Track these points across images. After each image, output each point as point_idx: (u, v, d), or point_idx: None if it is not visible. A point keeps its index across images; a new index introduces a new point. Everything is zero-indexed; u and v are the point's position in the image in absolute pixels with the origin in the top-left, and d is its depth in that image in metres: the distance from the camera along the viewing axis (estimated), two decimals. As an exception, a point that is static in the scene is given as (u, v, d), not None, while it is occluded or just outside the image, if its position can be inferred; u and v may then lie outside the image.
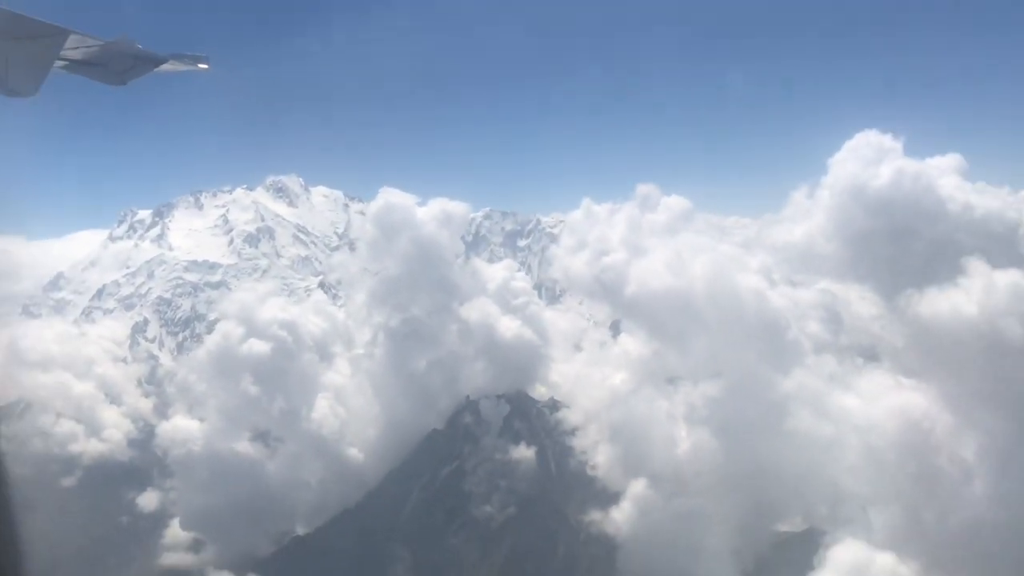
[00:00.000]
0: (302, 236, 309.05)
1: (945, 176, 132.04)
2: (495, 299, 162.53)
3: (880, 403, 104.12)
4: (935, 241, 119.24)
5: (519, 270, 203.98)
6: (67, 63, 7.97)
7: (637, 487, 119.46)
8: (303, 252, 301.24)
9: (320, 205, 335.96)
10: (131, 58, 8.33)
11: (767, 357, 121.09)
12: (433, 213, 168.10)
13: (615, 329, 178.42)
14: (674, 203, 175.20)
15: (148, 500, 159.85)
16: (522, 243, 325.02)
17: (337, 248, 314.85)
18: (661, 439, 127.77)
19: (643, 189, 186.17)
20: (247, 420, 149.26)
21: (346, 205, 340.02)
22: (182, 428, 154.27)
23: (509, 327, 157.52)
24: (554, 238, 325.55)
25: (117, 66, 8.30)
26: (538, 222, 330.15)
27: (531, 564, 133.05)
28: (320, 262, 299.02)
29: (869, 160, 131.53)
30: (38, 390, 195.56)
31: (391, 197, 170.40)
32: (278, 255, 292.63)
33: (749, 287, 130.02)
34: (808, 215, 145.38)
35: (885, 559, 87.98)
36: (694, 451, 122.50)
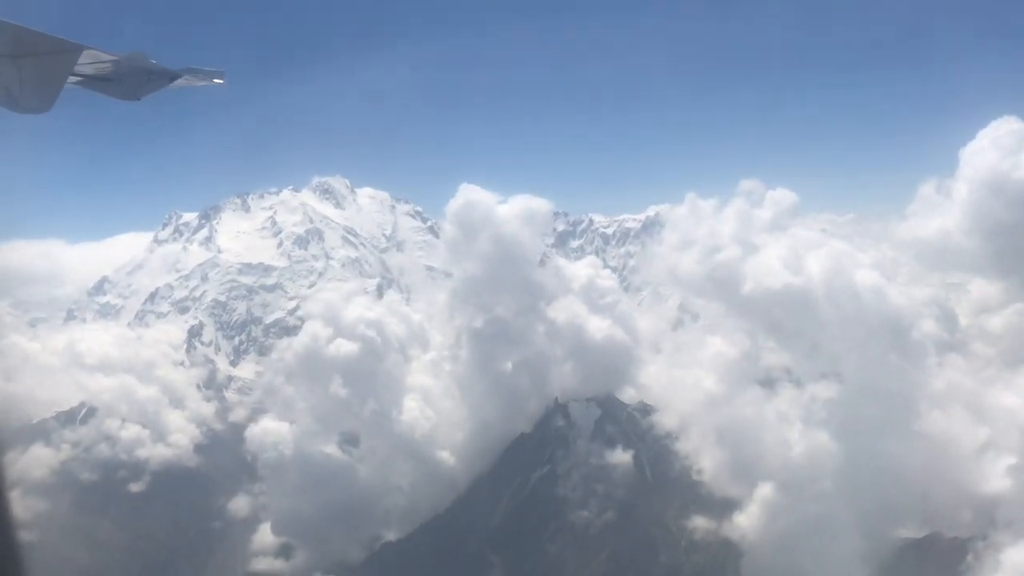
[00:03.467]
0: (351, 238, 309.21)
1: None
2: (581, 298, 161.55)
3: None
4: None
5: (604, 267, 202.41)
6: (81, 79, 7.93)
7: (761, 491, 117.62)
8: (353, 254, 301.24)
9: (367, 206, 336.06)
10: (145, 73, 8.31)
11: (890, 356, 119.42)
12: (514, 211, 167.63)
13: (708, 328, 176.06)
14: (780, 197, 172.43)
15: (237, 505, 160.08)
16: (574, 244, 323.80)
17: (386, 250, 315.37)
18: (773, 442, 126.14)
19: (747, 184, 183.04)
20: (336, 422, 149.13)
21: (393, 206, 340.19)
22: (272, 431, 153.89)
23: (599, 327, 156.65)
24: (608, 239, 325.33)
25: (131, 82, 8.28)
26: (591, 222, 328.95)
27: (632, 572, 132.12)
28: (370, 264, 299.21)
29: (1009, 149, 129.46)
30: (102, 394, 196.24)
31: (471, 194, 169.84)
32: (328, 257, 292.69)
33: (868, 284, 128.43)
34: (939, 209, 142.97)
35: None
36: (811, 454, 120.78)
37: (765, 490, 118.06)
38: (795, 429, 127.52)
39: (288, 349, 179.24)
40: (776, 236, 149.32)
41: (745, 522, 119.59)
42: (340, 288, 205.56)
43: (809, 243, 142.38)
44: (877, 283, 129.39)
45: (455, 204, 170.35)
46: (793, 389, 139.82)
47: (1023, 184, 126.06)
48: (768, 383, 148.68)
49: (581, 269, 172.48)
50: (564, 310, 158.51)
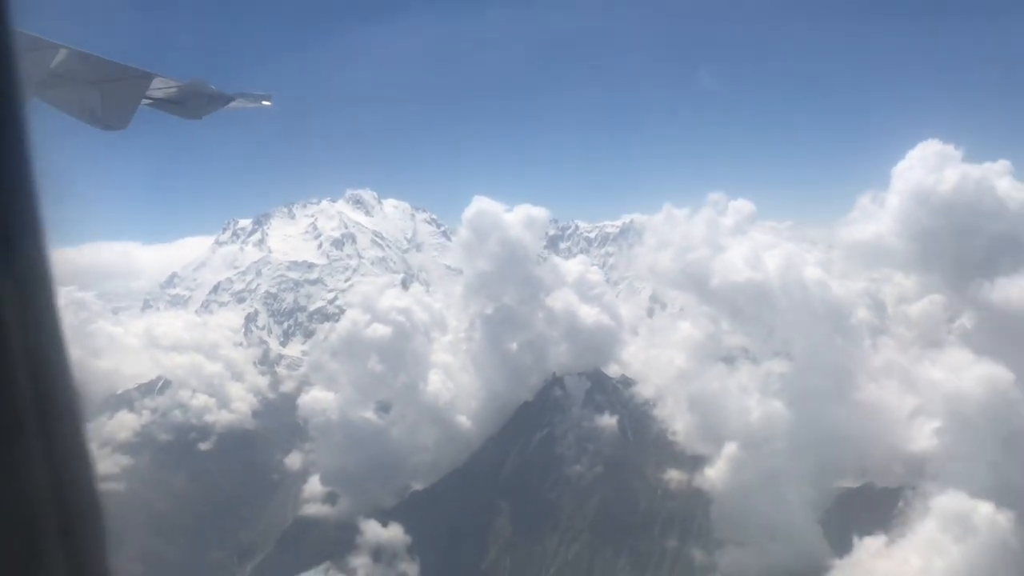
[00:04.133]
0: (378, 240, 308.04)
1: (1001, 178, 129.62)
2: (574, 290, 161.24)
3: (963, 375, 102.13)
4: (997, 237, 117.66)
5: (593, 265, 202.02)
6: (152, 101, 7.98)
7: (727, 449, 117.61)
8: (380, 254, 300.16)
9: (391, 214, 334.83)
10: (205, 97, 8.31)
11: (832, 338, 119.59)
12: (518, 218, 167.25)
13: (677, 315, 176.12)
14: (740, 206, 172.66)
15: (291, 460, 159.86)
16: (563, 246, 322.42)
17: (407, 251, 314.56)
18: (735, 409, 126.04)
19: (713, 195, 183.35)
20: (373, 392, 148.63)
21: (413, 214, 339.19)
22: (320, 399, 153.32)
23: (588, 314, 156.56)
24: (591, 242, 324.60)
25: (193, 104, 8.28)
26: (576, 227, 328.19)
27: (617, 515, 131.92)
28: (394, 262, 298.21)
29: (932, 167, 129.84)
30: (176, 369, 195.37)
31: (482, 204, 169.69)
32: (360, 256, 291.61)
33: (813, 279, 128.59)
34: (874, 216, 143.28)
35: (985, 508, 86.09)
36: (767, 419, 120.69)
37: (731, 448, 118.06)
38: (753, 398, 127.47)
39: (332, 332, 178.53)
40: (738, 239, 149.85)
41: (714, 475, 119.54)
42: (375, 281, 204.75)
43: (765, 245, 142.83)
44: (821, 278, 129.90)
45: (469, 212, 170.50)
46: (751, 365, 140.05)
47: (944, 197, 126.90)
48: (729, 360, 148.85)
49: (573, 266, 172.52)
50: (560, 300, 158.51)
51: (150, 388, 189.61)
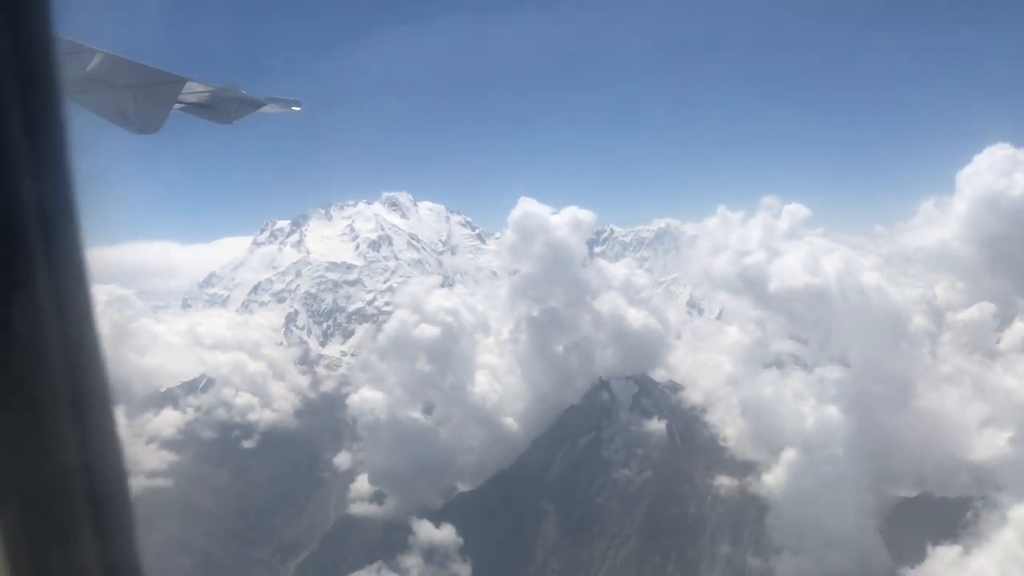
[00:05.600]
0: (414, 242, 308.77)
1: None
2: (620, 293, 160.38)
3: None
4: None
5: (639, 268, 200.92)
6: (184, 106, 8.04)
7: (786, 456, 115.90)
8: (416, 256, 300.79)
9: (426, 217, 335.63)
10: (236, 102, 8.41)
11: (890, 344, 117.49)
12: (565, 220, 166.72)
13: (721, 319, 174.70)
14: (795, 211, 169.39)
15: (340, 459, 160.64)
16: (598, 250, 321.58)
17: (442, 253, 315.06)
18: (789, 416, 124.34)
19: (767, 199, 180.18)
20: (421, 393, 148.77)
21: (447, 217, 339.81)
22: (368, 399, 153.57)
23: (635, 317, 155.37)
24: (626, 246, 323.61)
25: (224, 108, 8.37)
26: (612, 232, 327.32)
27: (666, 520, 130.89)
28: (430, 264, 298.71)
29: (1003, 171, 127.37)
30: (219, 368, 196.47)
31: (528, 206, 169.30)
32: (396, 258, 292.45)
33: (872, 284, 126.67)
34: (938, 223, 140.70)
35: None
36: (823, 426, 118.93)
37: (789, 454, 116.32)
38: (807, 404, 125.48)
39: (380, 331, 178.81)
40: (793, 244, 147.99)
41: (771, 481, 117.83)
42: (423, 282, 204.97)
43: (822, 250, 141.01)
44: (878, 283, 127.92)
45: (515, 214, 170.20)
46: (802, 371, 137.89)
47: (1014, 201, 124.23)
48: (778, 366, 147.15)
49: (619, 269, 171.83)
50: (606, 303, 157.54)
51: (194, 386, 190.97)
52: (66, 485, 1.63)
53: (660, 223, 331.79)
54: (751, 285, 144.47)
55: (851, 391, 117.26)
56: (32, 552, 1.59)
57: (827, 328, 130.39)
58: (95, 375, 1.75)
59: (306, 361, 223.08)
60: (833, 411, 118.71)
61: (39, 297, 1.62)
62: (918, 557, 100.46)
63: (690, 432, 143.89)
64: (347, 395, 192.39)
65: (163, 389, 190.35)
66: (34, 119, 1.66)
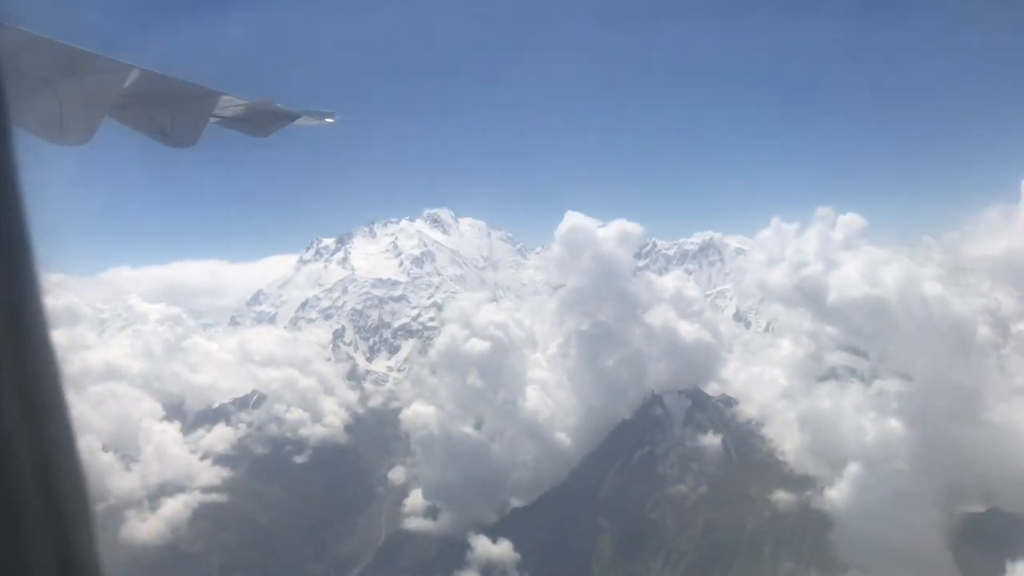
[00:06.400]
0: (456, 258, 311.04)
1: None
2: (672, 306, 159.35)
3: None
4: None
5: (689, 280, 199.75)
6: (219, 119, 7.87)
7: (850, 470, 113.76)
8: (458, 271, 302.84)
9: (467, 233, 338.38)
10: (271, 115, 8.20)
11: (954, 356, 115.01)
12: (612, 233, 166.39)
13: (770, 332, 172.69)
14: (850, 221, 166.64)
15: (394, 474, 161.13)
16: (641, 263, 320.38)
17: (484, 268, 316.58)
18: (849, 430, 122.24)
19: (821, 210, 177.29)
20: (473, 407, 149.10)
21: (488, 233, 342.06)
22: (421, 413, 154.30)
23: (687, 330, 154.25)
24: (669, 259, 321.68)
25: (259, 121, 8.16)
26: (654, 245, 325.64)
27: (724, 536, 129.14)
28: (472, 280, 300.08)
29: None
30: (270, 383, 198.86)
31: (575, 220, 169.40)
32: (439, 274, 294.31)
33: (933, 295, 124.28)
34: (1004, 232, 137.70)
35: None
36: (885, 440, 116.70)
37: (853, 469, 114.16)
38: (868, 418, 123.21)
39: (431, 346, 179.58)
40: (850, 254, 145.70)
41: (835, 496, 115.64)
42: (472, 297, 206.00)
43: (881, 260, 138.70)
44: (940, 294, 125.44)
45: (562, 227, 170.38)
46: (859, 384, 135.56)
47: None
48: (833, 378, 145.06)
49: (669, 282, 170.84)
50: (658, 316, 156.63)
51: (245, 402, 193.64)
52: (20, 485, 1.60)
53: (703, 236, 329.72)
54: (809, 297, 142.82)
55: (914, 404, 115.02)
56: None
57: (887, 340, 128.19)
58: (49, 381, 1.70)
59: (354, 376, 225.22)
60: (896, 425, 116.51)
61: None
62: (989, 575, 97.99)
63: (746, 446, 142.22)
64: (395, 410, 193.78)
65: (215, 405, 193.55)
66: None
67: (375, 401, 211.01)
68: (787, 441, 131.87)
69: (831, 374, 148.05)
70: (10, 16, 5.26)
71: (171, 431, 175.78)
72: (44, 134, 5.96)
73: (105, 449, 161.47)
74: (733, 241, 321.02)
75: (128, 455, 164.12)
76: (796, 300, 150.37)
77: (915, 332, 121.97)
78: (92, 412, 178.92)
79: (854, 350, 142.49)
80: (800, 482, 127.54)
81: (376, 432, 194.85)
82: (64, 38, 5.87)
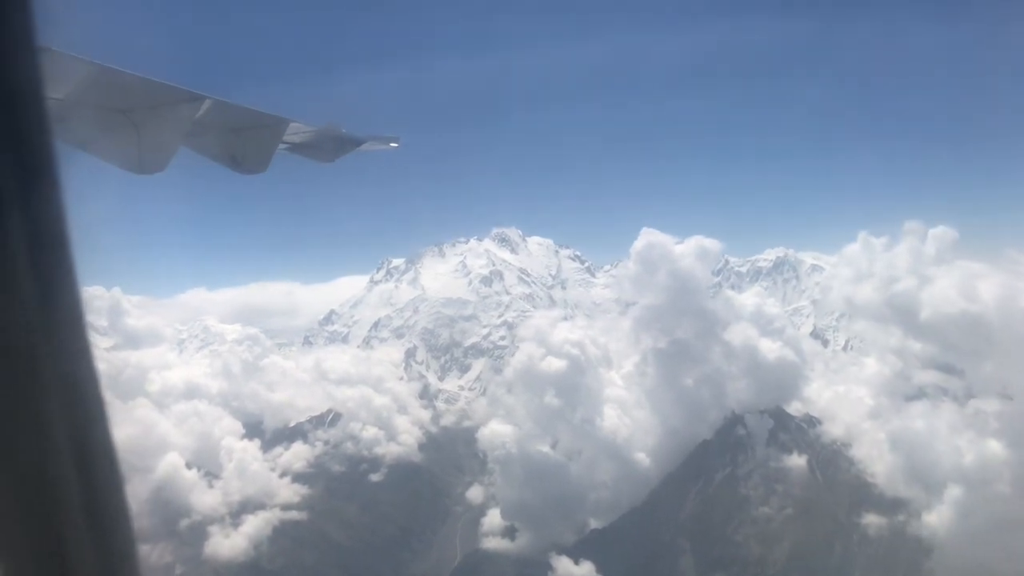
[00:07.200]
0: (524, 277, 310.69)
1: None
2: (752, 323, 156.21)
3: None
4: None
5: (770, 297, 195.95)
6: (288, 146, 8.13)
7: (951, 493, 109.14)
8: (527, 290, 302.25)
9: (535, 251, 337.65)
10: (337, 140, 8.44)
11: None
12: (690, 249, 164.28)
13: (848, 350, 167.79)
14: (942, 235, 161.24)
15: (472, 493, 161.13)
16: (713, 281, 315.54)
17: (552, 287, 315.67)
18: (945, 451, 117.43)
19: (910, 224, 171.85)
20: (550, 426, 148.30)
21: (556, 251, 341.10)
22: (499, 432, 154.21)
23: (769, 348, 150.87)
24: (742, 276, 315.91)
25: (326, 147, 8.41)
26: (727, 262, 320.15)
27: (811, 560, 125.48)
28: (540, 298, 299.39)
29: None
30: (346, 402, 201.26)
31: (651, 236, 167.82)
32: (507, 293, 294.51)
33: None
34: None
35: None
36: (984, 462, 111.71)
37: (954, 492, 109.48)
38: (964, 439, 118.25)
39: (503, 366, 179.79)
40: (943, 269, 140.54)
41: (934, 520, 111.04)
42: (547, 315, 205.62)
43: (977, 274, 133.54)
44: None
45: (638, 244, 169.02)
46: (952, 404, 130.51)
47: None
48: (923, 399, 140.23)
49: (748, 299, 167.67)
50: (738, 334, 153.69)
51: (322, 420, 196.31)
52: (61, 488, 1.67)
53: (776, 252, 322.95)
54: (900, 313, 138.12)
55: (1016, 424, 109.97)
56: (27, 557, 1.64)
57: (984, 357, 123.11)
58: (90, 389, 1.76)
59: (426, 395, 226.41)
60: (996, 446, 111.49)
61: (26, 299, 1.65)
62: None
63: (833, 467, 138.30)
64: (468, 429, 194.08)
65: (292, 423, 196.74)
66: (18, 137, 1.71)
67: (447, 420, 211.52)
68: (877, 462, 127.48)
69: (920, 393, 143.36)
70: (74, 46, 5.33)
71: (251, 449, 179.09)
72: (123, 164, 6.19)
73: (189, 466, 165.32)
74: (808, 257, 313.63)
75: (211, 472, 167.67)
76: (887, 317, 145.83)
77: (1016, 349, 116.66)
78: (176, 430, 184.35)
79: (946, 368, 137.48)
80: (892, 505, 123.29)
81: (449, 451, 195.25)
82: (121, 63, 5.94)
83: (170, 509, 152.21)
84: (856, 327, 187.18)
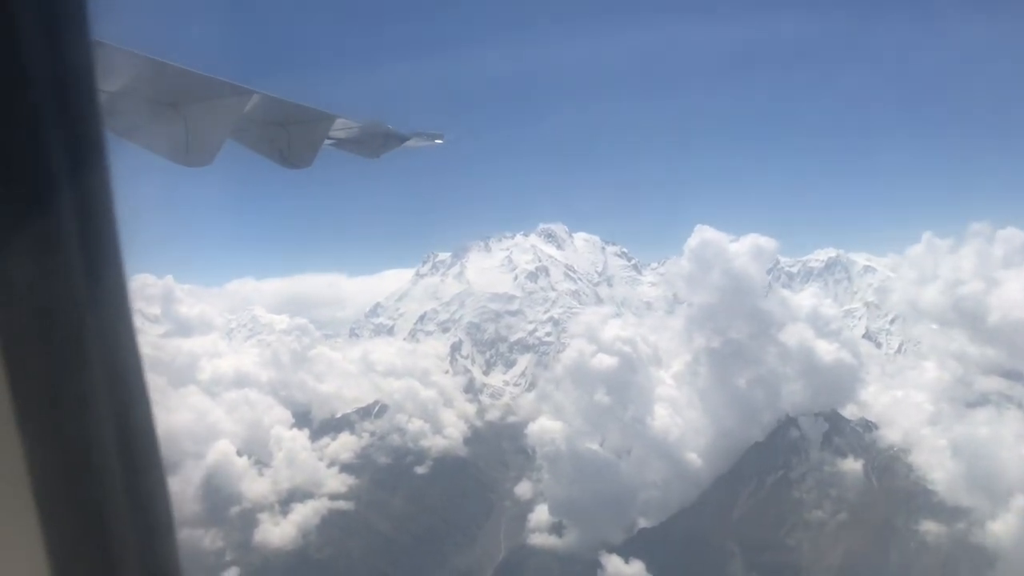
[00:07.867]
0: (571, 273, 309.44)
1: None
2: (808, 324, 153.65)
3: None
4: None
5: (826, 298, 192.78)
6: (334, 141, 8.17)
7: (1018, 502, 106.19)
8: (572, 287, 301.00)
9: (582, 248, 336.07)
10: (383, 136, 8.47)
11: None
12: (745, 247, 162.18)
13: (907, 353, 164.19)
14: (1011, 236, 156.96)
15: (521, 488, 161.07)
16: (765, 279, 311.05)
17: (598, 284, 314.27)
18: (1013, 459, 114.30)
19: (976, 226, 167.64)
20: (600, 423, 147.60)
21: (603, 248, 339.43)
22: (548, 428, 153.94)
23: (827, 350, 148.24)
24: (792, 277, 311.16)
25: (371, 143, 8.45)
26: (777, 262, 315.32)
27: (866, 566, 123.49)
28: (586, 295, 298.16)
29: None
30: (392, 394, 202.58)
31: (705, 234, 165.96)
32: (553, 289, 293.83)
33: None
34: None
35: None
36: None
37: (1021, 501, 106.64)
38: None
39: (551, 361, 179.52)
40: (1013, 272, 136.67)
41: (999, 529, 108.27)
42: (598, 312, 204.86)
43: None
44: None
45: (691, 242, 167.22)
46: (1018, 411, 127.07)
47: None
48: (986, 405, 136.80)
49: (805, 299, 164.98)
50: (794, 335, 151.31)
51: (368, 411, 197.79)
52: (103, 464, 1.73)
53: (827, 253, 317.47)
54: (966, 317, 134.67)
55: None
56: (69, 532, 1.70)
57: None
58: (134, 373, 1.82)
59: (471, 389, 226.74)
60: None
61: (75, 281, 1.71)
62: None
63: (890, 473, 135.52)
64: (512, 424, 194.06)
65: (339, 414, 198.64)
66: (73, 133, 1.76)
67: (492, 414, 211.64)
68: (937, 469, 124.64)
69: (983, 400, 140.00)
70: (127, 40, 5.44)
71: (300, 438, 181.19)
72: (172, 156, 6.34)
73: (239, 453, 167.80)
74: (860, 259, 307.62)
75: (261, 460, 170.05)
76: (951, 320, 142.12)
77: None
78: (227, 418, 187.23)
79: (1011, 374, 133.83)
80: (953, 513, 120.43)
81: (494, 445, 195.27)
82: (171, 57, 6.01)
83: (221, 496, 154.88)
84: (913, 330, 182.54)
